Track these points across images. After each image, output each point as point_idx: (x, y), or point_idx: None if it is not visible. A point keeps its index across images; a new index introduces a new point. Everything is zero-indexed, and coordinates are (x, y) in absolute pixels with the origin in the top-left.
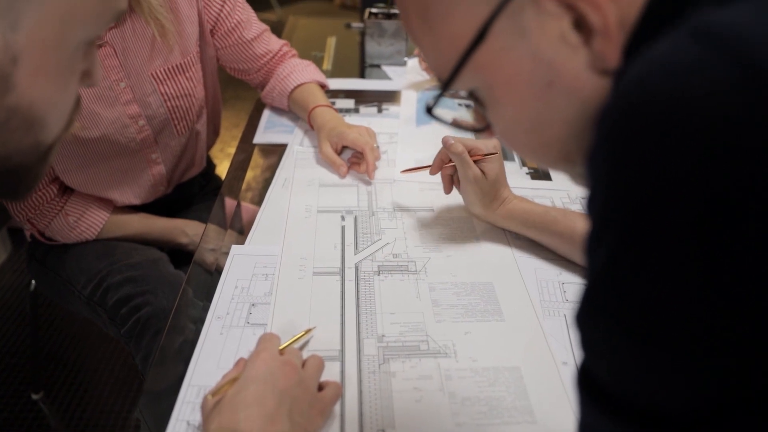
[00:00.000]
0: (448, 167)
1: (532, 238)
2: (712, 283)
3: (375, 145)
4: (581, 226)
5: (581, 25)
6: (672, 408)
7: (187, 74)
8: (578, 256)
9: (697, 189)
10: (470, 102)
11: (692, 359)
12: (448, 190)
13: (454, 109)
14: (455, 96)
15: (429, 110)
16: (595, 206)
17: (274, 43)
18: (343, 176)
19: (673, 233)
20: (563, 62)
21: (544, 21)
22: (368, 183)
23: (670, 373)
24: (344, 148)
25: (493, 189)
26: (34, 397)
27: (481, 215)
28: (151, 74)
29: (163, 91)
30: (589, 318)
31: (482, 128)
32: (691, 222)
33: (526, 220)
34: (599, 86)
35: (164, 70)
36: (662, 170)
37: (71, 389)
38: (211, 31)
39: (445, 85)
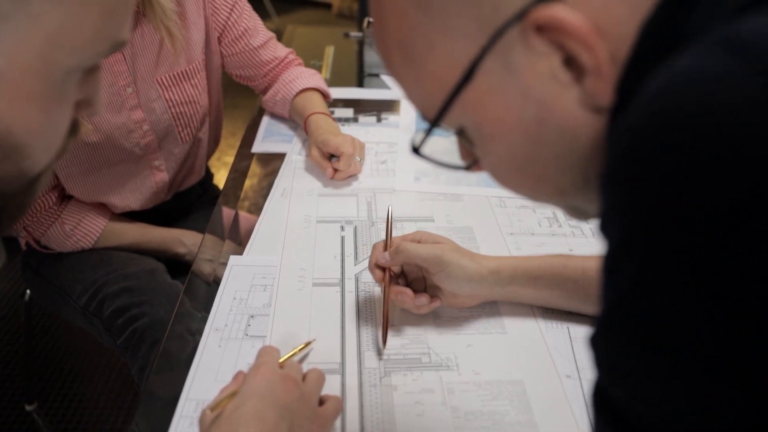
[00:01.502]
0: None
1: (542, 300)
2: (747, 305)
3: (357, 159)
4: (591, 266)
5: (572, 63)
6: None
7: (192, 81)
8: (589, 305)
9: (731, 205)
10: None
11: (720, 381)
12: (422, 306)
13: (446, 136)
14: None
15: (416, 150)
16: (612, 227)
17: (281, 50)
18: (330, 176)
19: (702, 250)
20: (554, 100)
21: (533, 60)
22: (367, 192)
23: (696, 396)
24: (332, 156)
25: (464, 253)
26: (28, 408)
27: (478, 291)
28: (157, 80)
29: (167, 97)
30: (609, 339)
31: (469, 165)
32: (723, 238)
33: (530, 275)
34: (591, 122)
35: (170, 76)
36: (691, 184)
37: (66, 400)
38: (219, 38)
39: (432, 125)
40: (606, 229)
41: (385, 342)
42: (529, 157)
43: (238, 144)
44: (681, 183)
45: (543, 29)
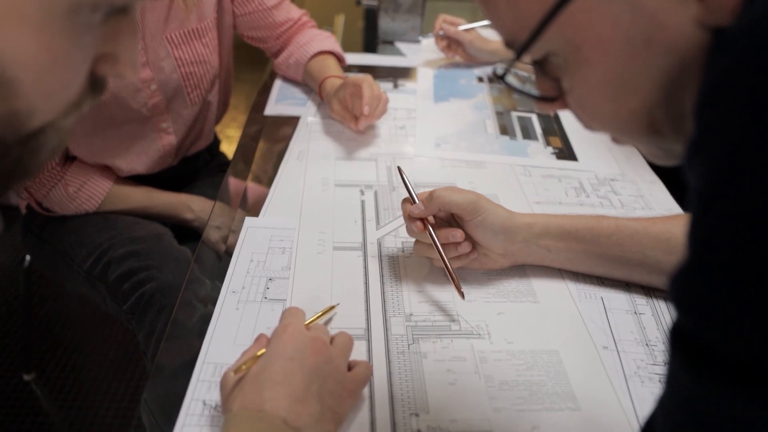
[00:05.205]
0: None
1: (574, 260)
2: None
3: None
4: (624, 224)
5: None
6: None
7: (203, 40)
8: (623, 268)
9: None
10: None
11: None
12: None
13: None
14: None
15: (501, 77)
16: (708, 155)
17: (294, 11)
18: (357, 128)
19: None
20: (668, 17)
21: None
22: (386, 157)
23: None
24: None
25: (498, 204)
26: (26, 377)
27: (510, 246)
28: (167, 37)
29: (177, 55)
30: (699, 275)
31: (552, 98)
32: None
33: (563, 229)
34: (700, 44)
35: (180, 33)
36: None
37: (65, 370)
38: None
39: (523, 48)
40: (698, 160)
41: (461, 293)
42: (629, 84)
43: (240, 116)
44: None
45: None
